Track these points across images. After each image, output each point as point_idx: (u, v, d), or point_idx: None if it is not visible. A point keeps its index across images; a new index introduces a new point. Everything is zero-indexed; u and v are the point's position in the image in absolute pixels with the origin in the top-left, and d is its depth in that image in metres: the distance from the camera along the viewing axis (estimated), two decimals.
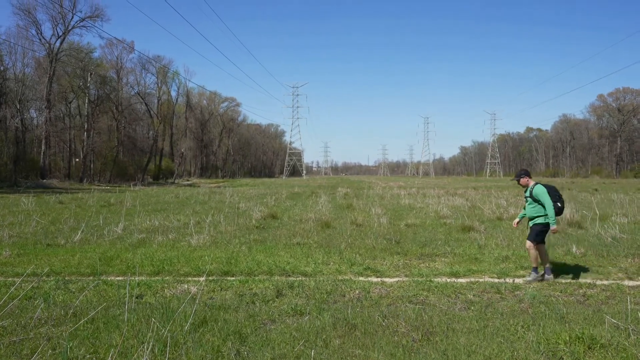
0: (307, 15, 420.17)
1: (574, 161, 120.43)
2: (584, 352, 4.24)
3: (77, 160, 58.45)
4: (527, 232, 7.65)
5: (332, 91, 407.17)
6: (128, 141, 67.21)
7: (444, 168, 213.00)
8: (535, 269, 7.32)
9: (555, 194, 7.40)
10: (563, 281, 7.17)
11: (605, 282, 7.08)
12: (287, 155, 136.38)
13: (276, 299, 6.04)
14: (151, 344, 4.09)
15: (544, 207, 7.28)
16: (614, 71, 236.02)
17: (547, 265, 7.36)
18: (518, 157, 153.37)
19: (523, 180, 7.60)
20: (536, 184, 7.49)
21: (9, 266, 8.06)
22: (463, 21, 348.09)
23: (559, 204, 7.38)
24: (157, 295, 6.28)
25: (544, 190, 7.31)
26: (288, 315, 5.36)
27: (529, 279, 7.24)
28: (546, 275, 7.26)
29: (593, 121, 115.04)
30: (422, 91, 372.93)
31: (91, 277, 7.38)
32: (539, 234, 7.34)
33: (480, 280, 7.25)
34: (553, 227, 7.25)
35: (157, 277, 7.39)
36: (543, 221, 7.31)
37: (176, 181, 71.85)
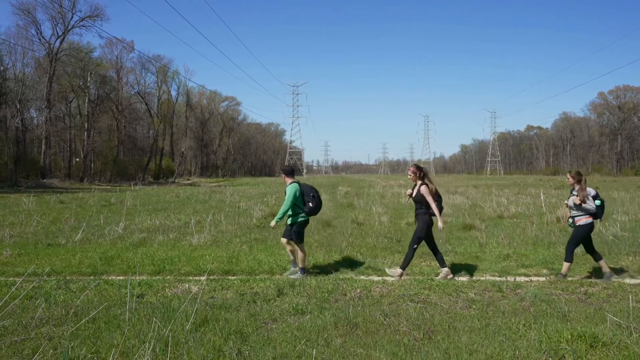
0: (307, 17, 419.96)
1: (574, 159, 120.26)
2: (585, 350, 4.23)
3: (78, 159, 58.44)
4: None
5: (333, 90, 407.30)
6: (128, 141, 67.23)
7: (444, 166, 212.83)
8: (302, 269, 7.46)
9: (309, 194, 7.48)
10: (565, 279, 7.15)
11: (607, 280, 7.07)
12: (287, 155, 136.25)
13: (277, 298, 6.04)
14: (152, 343, 4.08)
15: (297, 205, 7.40)
16: (614, 69, 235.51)
17: (293, 259, 7.51)
18: (518, 155, 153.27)
19: (284, 178, 7.71)
20: (292, 182, 7.52)
21: (10, 266, 8.06)
22: (464, 20, 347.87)
23: (311, 204, 7.44)
24: (158, 294, 6.27)
25: (293, 190, 7.37)
26: (289, 315, 5.36)
27: (293, 276, 7.34)
28: (293, 270, 7.42)
29: (593, 119, 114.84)
30: (423, 90, 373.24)
31: (92, 277, 7.39)
32: (298, 234, 7.43)
33: (482, 278, 7.25)
34: (272, 223, 7.47)
35: (158, 277, 7.39)
36: (298, 220, 7.41)
37: (176, 180, 71.84)
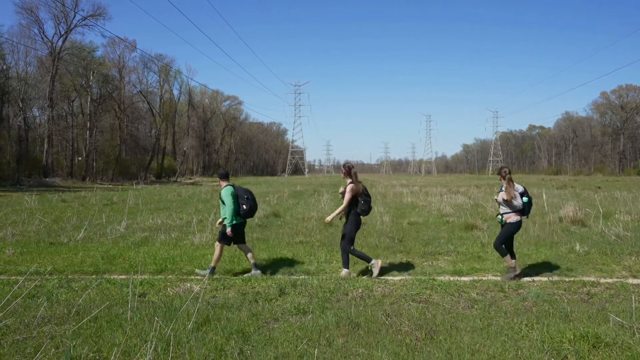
0: (310, 16, 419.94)
1: (576, 159, 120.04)
2: (588, 350, 4.22)
3: (80, 158, 58.52)
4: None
5: (335, 90, 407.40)
6: (130, 140, 67.31)
7: (446, 166, 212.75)
8: (213, 268, 7.46)
9: (244, 196, 7.46)
10: (567, 279, 7.14)
11: (609, 281, 7.05)
12: (289, 154, 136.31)
13: (279, 298, 6.04)
14: (154, 342, 4.08)
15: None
16: (617, 68, 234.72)
17: (213, 265, 7.50)
18: (521, 154, 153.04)
19: (219, 181, 7.72)
20: (227, 185, 7.53)
21: (12, 264, 8.08)
22: (466, 20, 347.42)
23: (245, 207, 7.43)
24: (160, 293, 6.28)
25: (229, 192, 7.38)
26: (291, 314, 5.35)
27: (202, 273, 7.41)
28: (208, 273, 7.41)
29: (596, 118, 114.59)
30: (425, 89, 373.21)
31: (94, 276, 7.40)
32: (224, 235, 7.42)
33: (484, 278, 7.23)
34: (228, 228, 7.33)
35: (159, 276, 7.40)
36: (228, 222, 7.38)
37: (178, 180, 71.91)
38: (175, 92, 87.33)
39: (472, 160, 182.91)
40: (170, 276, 7.38)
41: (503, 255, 7.36)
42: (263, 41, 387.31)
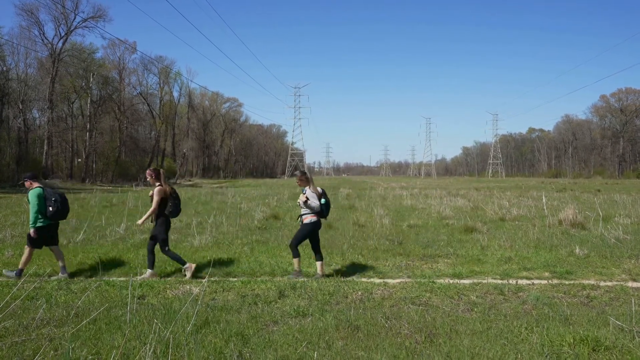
0: (310, 18, 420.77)
1: (576, 162, 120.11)
2: (588, 354, 4.21)
3: (80, 160, 58.53)
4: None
5: (335, 92, 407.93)
6: (130, 141, 67.37)
7: (445, 169, 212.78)
8: (20, 270, 7.34)
9: (51, 198, 7.33)
10: (566, 282, 7.13)
11: (609, 284, 7.04)
12: (289, 156, 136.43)
13: (278, 300, 6.02)
14: (153, 345, 4.07)
15: (39, 210, 7.28)
16: (616, 71, 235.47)
17: (21, 267, 7.37)
18: (520, 157, 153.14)
19: (27, 184, 7.51)
20: (37, 187, 7.40)
21: (12, 266, 8.05)
22: (466, 23, 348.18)
23: (52, 209, 7.31)
24: (159, 296, 6.27)
25: (36, 193, 7.25)
26: (290, 317, 5.34)
27: (9, 274, 7.31)
28: (15, 274, 7.30)
29: (595, 122, 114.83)
30: (425, 92, 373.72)
31: (93, 278, 7.39)
32: (33, 238, 7.32)
33: (483, 281, 7.22)
34: (30, 231, 7.25)
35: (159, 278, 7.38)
36: (37, 225, 7.29)
37: (178, 181, 71.84)
38: (175, 94, 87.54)
39: (472, 163, 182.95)
40: (169, 278, 7.37)
41: (295, 256, 7.48)
42: (263, 44, 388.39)
